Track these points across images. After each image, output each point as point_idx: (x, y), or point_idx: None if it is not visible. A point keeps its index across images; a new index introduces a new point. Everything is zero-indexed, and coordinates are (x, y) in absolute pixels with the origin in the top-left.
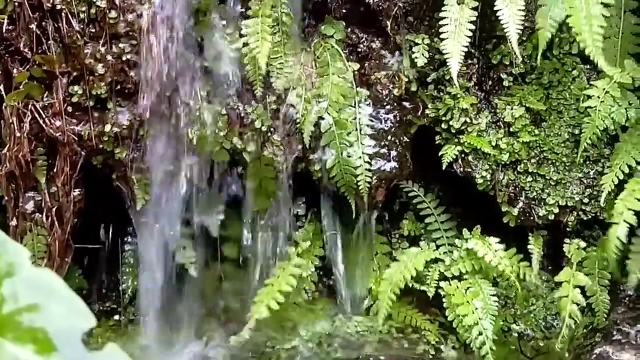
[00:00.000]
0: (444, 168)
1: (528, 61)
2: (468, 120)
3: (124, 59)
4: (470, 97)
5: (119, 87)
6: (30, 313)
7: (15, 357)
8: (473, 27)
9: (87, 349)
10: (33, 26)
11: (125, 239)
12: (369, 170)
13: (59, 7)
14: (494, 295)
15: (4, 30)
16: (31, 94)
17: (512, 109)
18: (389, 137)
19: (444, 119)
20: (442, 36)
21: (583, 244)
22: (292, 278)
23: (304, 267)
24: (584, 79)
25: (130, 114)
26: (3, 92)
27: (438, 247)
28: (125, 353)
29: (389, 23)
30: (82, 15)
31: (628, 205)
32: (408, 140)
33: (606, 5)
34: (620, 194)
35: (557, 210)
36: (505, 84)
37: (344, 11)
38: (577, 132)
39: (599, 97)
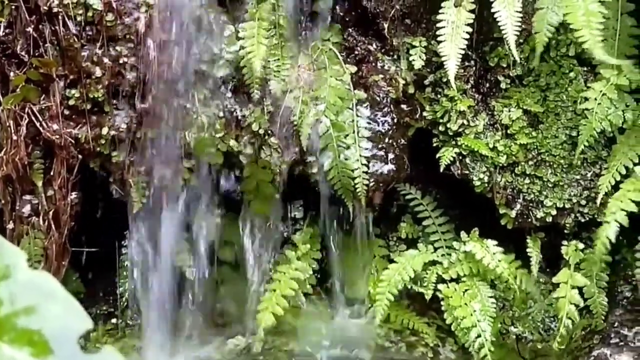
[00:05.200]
0: (441, 170)
1: (525, 63)
2: (465, 122)
3: (121, 61)
4: (467, 99)
5: (115, 90)
6: (27, 315)
7: None
8: (470, 30)
9: (83, 351)
10: (30, 29)
11: (122, 242)
12: (366, 173)
13: (55, 10)
14: (491, 298)
15: (1, 33)
16: (28, 96)
17: (509, 111)
18: (386, 140)
19: (441, 121)
20: (439, 38)
21: (581, 245)
22: (293, 282)
23: (303, 269)
24: (580, 81)
25: (127, 117)
26: None
27: (435, 249)
28: (121, 355)
29: (385, 25)
30: (78, 18)
31: (620, 205)
32: (405, 143)
33: (602, 2)
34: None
35: (554, 212)
36: (502, 85)
37: (341, 14)
38: (574, 133)
39: (595, 99)
